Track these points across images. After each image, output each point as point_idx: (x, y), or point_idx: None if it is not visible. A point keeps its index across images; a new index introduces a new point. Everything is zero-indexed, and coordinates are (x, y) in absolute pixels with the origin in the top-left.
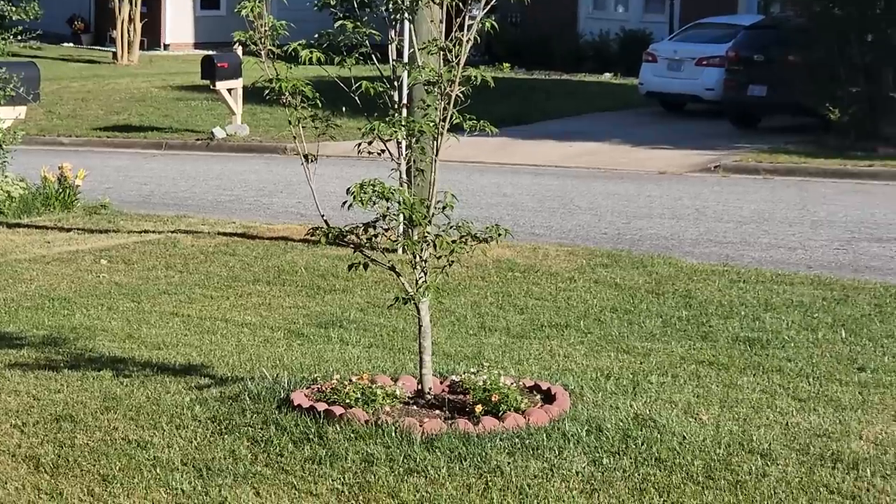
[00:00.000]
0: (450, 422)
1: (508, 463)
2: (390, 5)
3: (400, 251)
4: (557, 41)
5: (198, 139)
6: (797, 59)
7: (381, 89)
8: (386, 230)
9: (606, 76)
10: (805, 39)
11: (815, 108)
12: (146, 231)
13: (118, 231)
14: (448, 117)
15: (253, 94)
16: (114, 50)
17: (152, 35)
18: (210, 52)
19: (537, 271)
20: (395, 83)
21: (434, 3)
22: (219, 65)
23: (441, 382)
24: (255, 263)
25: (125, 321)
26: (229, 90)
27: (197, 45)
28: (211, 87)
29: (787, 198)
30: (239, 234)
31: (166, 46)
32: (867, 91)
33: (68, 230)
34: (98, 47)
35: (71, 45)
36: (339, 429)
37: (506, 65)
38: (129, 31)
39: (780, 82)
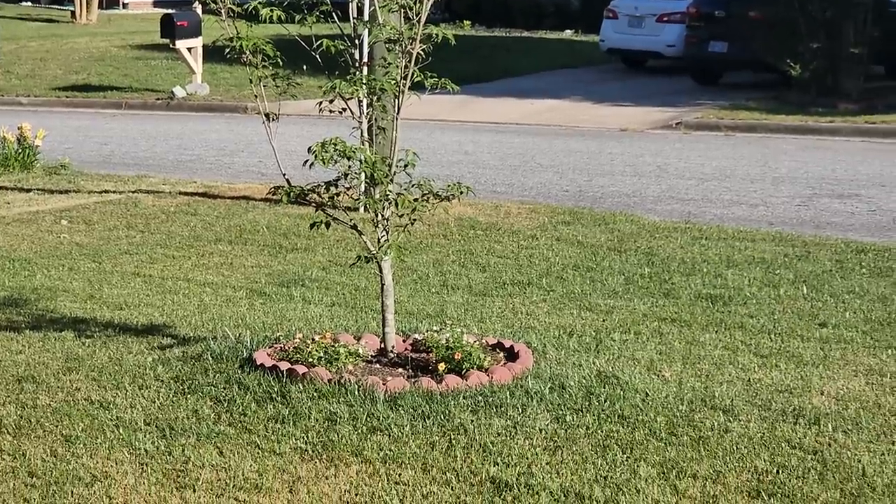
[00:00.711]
0: (413, 380)
1: (472, 421)
2: None
3: (361, 210)
4: None
5: (158, 98)
6: (758, 14)
7: (342, 47)
8: (348, 189)
9: (567, 33)
10: None
11: (776, 64)
12: (107, 191)
13: (78, 191)
14: (409, 75)
15: (213, 53)
16: (72, 9)
17: None
18: (169, 11)
19: (499, 229)
20: (356, 41)
21: None
22: (178, 23)
23: (404, 341)
24: (217, 223)
25: (86, 282)
26: (189, 49)
27: (156, 4)
28: (171, 45)
29: (748, 154)
30: (200, 193)
31: (125, 5)
32: (828, 47)
33: (28, 191)
34: (56, 6)
35: (29, 4)
36: (302, 388)
37: (466, 22)
38: None
39: (741, 38)
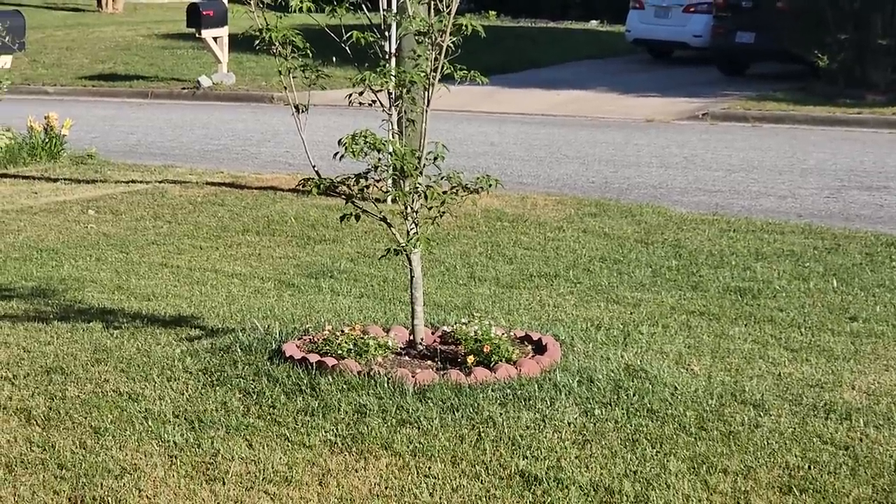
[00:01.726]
0: (442, 372)
1: (500, 414)
2: None
3: (389, 202)
4: None
5: (184, 88)
6: (785, 5)
7: (371, 39)
8: (377, 181)
9: (593, 23)
10: None
11: (804, 54)
12: (133, 181)
13: (105, 181)
14: (439, 67)
15: (239, 43)
16: None
17: None
18: (195, 0)
19: (526, 221)
20: (386, 33)
21: None
22: (204, 13)
23: (433, 333)
24: (244, 213)
25: (114, 272)
26: (215, 38)
27: None
28: (196, 35)
29: (775, 146)
30: (227, 183)
31: None
32: (855, 38)
33: (55, 180)
34: None
35: None
36: (331, 380)
37: (492, 12)
38: None
39: (768, 29)
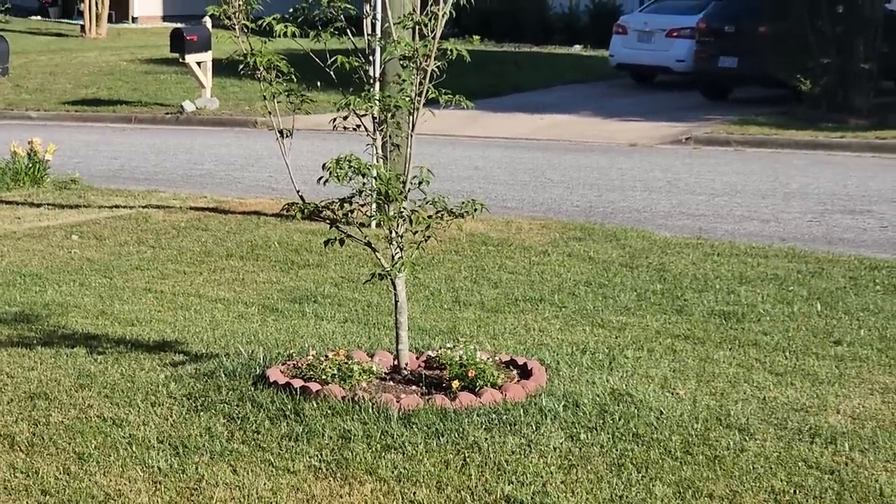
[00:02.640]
0: (427, 398)
1: (486, 439)
2: None
3: (373, 226)
4: (527, 13)
5: (167, 113)
6: (768, 30)
7: (356, 64)
8: (362, 206)
9: (576, 48)
10: (776, 10)
11: (786, 79)
12: (117, 206)
13: (89, 206)
14: (423, 92)
15: (222, 68)
16: (82, 23)
17: (120, 8)
18: (179, 25)
19: (510, 245)
20: (370, 58)
21: None
22: (188, 38)
23: (417, 358)
24: (228, 238)
25: (98, 297)
26: (198, 63)
27: (165, 18)
28: (180, 60)
29: (758, 170)
30: (211, 208)
31: (134, 19)
32: (838, 62)
33: (38, 205)
34: (66, 20)
35: (39, 17)
36: (315, 405)
37: (476, 37)
38: (97, 3)
39: (750, 53)
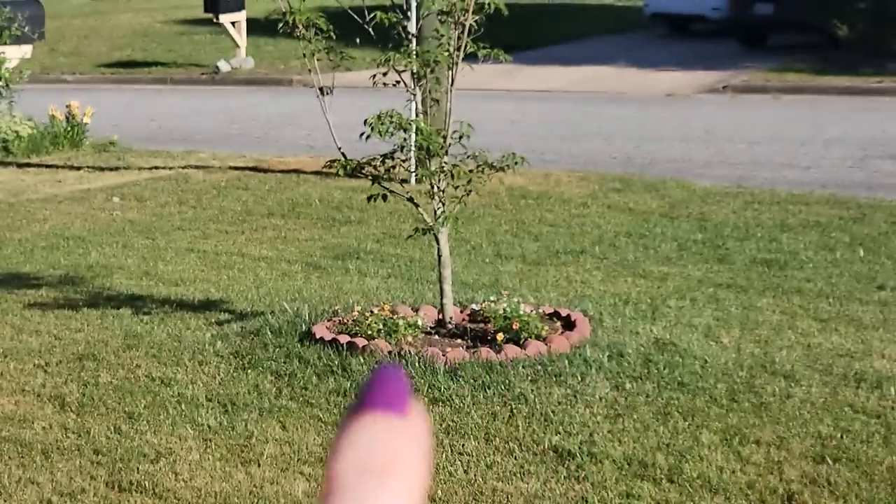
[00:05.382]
0: (472, 350)
1: (532, 390)
2: None
3: (413, 181)
4: None
5: (203, 73)
6: None
7: (394, 19)
8: (404, 161)
9: None
10: None
11: (823, 24)
12: (156, 167)
13: (128, 168)
14: (462, 46)
15: (257, 27)
16: None
17: None
18: None
19: (550, 198)
20: (408, 13)
21: None
22: None
23: (461, 311)
24: (269, 197)
25: (141, 258)
26: (233, 23)
27: None
28: (214, 20)
29: (797, 116)
30: (250, 167)
31: None
32: (875, 6)
33: (78, 168)
34: None
35: None
36: (362, 360)
37: None
38: None
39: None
